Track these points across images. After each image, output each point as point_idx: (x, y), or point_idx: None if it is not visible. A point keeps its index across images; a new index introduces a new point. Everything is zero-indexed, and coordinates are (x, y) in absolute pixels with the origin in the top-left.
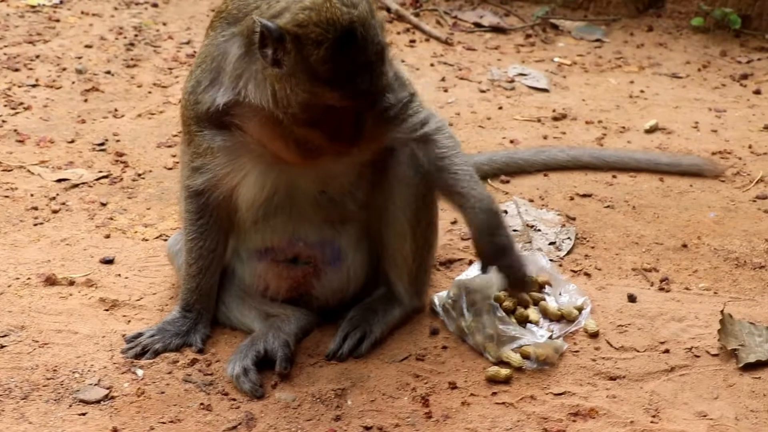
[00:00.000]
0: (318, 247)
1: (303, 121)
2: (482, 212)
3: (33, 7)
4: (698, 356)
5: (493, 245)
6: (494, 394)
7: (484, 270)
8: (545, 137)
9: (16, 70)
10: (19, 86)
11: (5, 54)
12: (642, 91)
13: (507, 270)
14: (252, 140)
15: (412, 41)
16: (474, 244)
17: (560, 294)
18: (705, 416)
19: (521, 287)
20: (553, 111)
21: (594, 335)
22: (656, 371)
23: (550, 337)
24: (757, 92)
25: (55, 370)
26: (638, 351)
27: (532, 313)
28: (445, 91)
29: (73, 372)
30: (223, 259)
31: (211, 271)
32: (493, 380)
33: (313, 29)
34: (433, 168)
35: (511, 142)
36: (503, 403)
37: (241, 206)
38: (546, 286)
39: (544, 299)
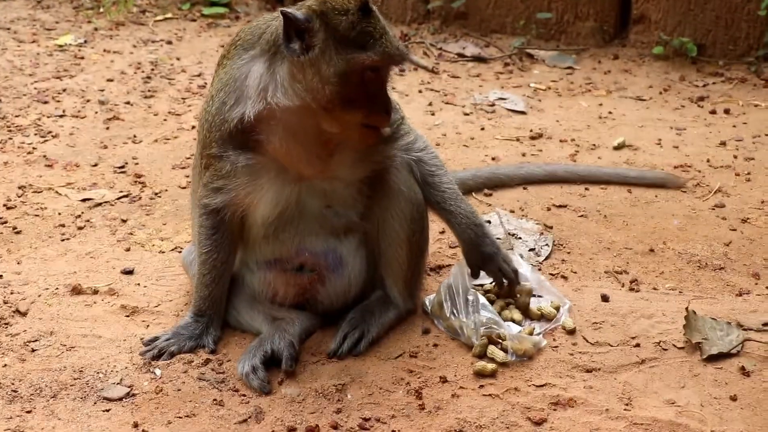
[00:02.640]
0: (322, 256)
1: (341, 100)
2: (468, 227)
3: (60, 46)
4: (666, 349)
5: (481, 254)
6: (482, 386)
7: (475, 276)
8: (523, 155)
9: (45, 102)
10: (48, 117)
11: (36, 88)
12: (610, 113)
13: (496, 273)
14: (273, 158)
15: (402, 70)
16: (464, 255)
17: (541, 296)
18: (673, 403)
19: (511, 284)
20: (531, 131)
21: (571, 332)
22: (628, 363)
23: (530, 333)
24: (713, 112)
25: (81, 371)
26: (612, 345)
27: (515, 313)
28: (432, 114)
29: (98, 372)
30: (233, 268)
31: (223, 280)
32: (480, 374)
33: (335, 2)
34: (423, 184)
35: (493, 159)
36: (490, 395)
37: (255, 222)
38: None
39: (528, 303)
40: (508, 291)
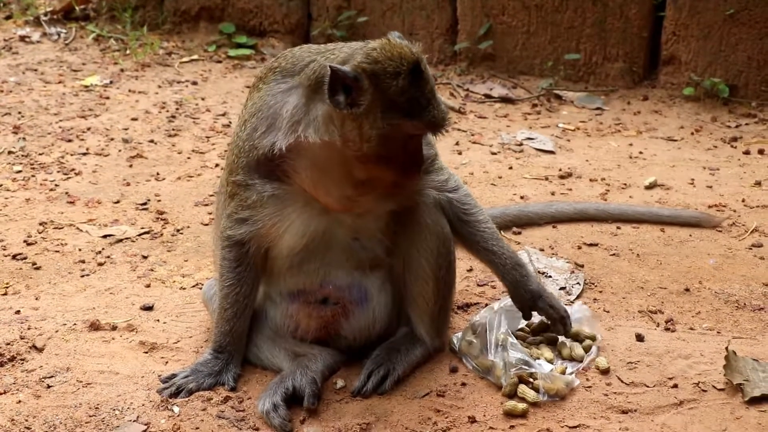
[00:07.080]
0: (346, 290)
1: (375, 157)
2: (512, 268)
3: (86, 86)
4: (705, 391)
5: (529, 293)
6: (512, 427)
7: (527, 317)
8: (553, 193)
9: (69, 140)
10: (72, 155)
11: (60, 127)
12: (641, 153)
13: (547, 311)
14: (300, 189)
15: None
16: (512, 297)
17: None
18: None
19: (563, 323)
20: (560, 170)
21: (605, 372)
22: (666, 405)
23: (563, 372)
24: (747, 153)
25: (97, 408)
26: (648, 386)
27: (546, 352)
28: (459, 153)
29: (114, 409)
30: (255, 302)
31: (245, 315)
32: (510, 414)
33: (389, 63)
34: (457, 223)
35: (522, 198)
36: None
37: (280, 254)
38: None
39: (557, 339)
40: (561, 329)
